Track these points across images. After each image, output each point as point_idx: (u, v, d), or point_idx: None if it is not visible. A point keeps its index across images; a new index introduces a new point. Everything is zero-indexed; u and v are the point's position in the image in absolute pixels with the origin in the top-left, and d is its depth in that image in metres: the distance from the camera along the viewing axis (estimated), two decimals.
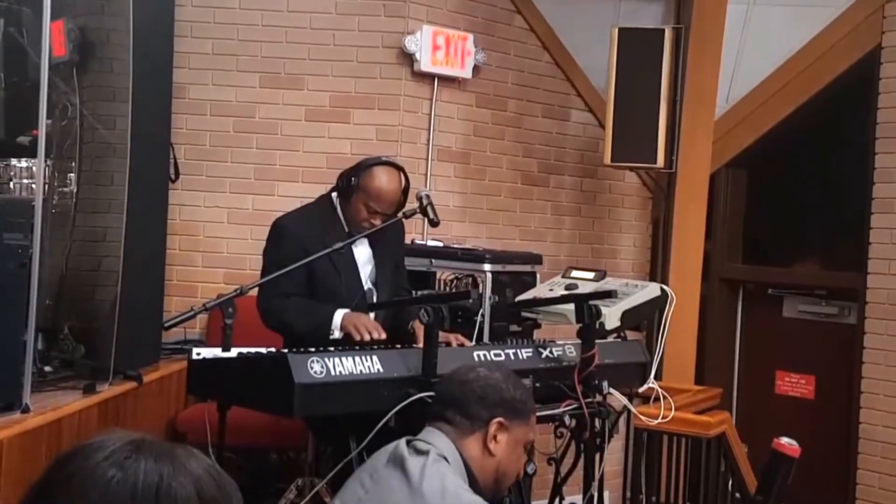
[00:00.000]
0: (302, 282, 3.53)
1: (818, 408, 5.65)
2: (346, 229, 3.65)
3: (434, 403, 2.55)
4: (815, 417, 5.62)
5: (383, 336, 3.37)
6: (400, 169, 3.70)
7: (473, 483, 2.35)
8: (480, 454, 2.40)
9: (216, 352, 3.03)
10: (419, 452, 2.30)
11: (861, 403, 5.27)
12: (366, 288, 3.69)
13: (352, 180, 3.60)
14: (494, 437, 2.41)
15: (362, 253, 3.70)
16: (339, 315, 3.44)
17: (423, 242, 4.69)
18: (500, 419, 2.41)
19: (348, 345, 3.26)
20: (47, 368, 3.92)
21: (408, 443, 2.34)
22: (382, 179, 3.60)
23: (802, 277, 5.83)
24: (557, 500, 3.54)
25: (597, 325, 3.41)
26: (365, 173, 3.60)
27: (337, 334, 3.41)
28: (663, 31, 5.14)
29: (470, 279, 4.32)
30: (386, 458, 2.31)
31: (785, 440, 3.29)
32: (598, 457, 3.46)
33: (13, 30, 4.27)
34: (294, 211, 3.82)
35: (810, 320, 5.76)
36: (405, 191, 3.69)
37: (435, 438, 2.37)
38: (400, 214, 3.66)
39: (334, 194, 3.71)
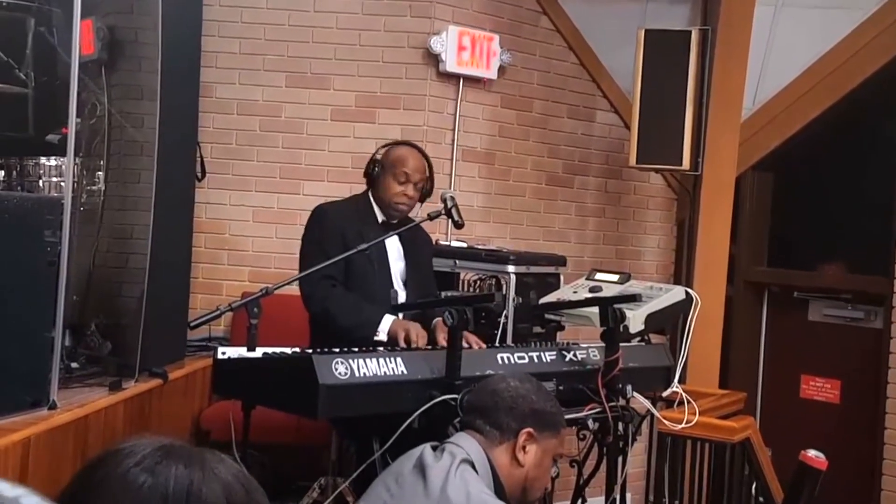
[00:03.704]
0: (342, 269, 3.59)
1: (843, 413, 5.62)
2: (380, 221, 3.76)
3: (465, 412, 2.58)
4: (840, 422, 5.59)
5: (424, 343, 3.42)
6: (416, 146, 3.91)
7: (500, 492, 2.36)
8: (509, 464, 2.41)
9: (241, 351, 3.05)
10: (445, 456, 2.30)
11: (887, 409, 5.22)
12: (395, 284, 3.73)
13: (375, 165, 3.79)
14: (523, 448, 2.42)
15: (393, 250, 3.79)
16: (387, 320, 3.50)
17: (448, 243, 4.69)
18: (529, 430, 2.42)
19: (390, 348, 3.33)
20: (74, 365, 3.95)
21: (433, 448, 2.35)
22: (402, 149, 3.84)
23: (828, 281, 5.80)
24: (580, 502, 3.55)
25: (621, 329, 3.40)
26: (384, 151, 3.81)
27: (382, 337, 3.47)
28: (690, 32, 5.11)
29: (494, 280, 4.32)
30: (412, 463, 2.32)
31: (812, 453, 3.25)
32: (620, 460, 3.45)
33: (43, 29, 4.31)
34: (335, 200, 3.96)
35: (836, 324, 5.72)
36: (430, 167, 3.84)
37: (465, 442, 2.38)
38: (424, 220, 3.68)
39: (369, 192, 3.82)
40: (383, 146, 3.86)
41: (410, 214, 3.91)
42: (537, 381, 2.65)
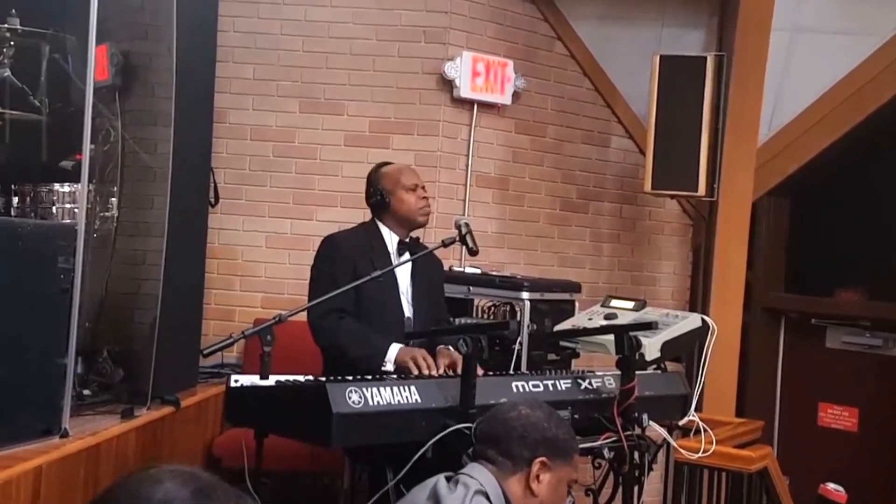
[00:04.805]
0: (352, 298, 3.56)
1: (861, 441, 5.56)
2: (392, 246, 3.72)
3: (477, 442, 2.53)
4: (858, 450, 5.52)
5: (437, 372, 3.39)
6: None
7: None
8: (522, 494, 2.36)
9: (254, 379, 3.02)
10: (459, 487, 2.26)
11: None
12: (406, 311, 3.70)
13: (380, 192, 3.73)
14: (537, 477, 2.37)
15: (405, 277, 3.75)
16: (394, 349, 3.47)
17: (462, 269, 4.67)
18: (542, 459, 2.38)
19: (400, 377, 3.30)
20: (86, 392, 3.93)
21: (447, 479, 2.32)
22: (391, 166, 3.83)
23: (846, 308, 5.74)
24: None
25: (636, 357, 3.36)
26: (382, 176, 3.77)
27: (390, 367, 3.43)
28: (705, 58, 5.11)
29: (508, 307, 4.30)
30: (425, 494, 2.29)
31: (831, 486, 3.21)
32: (636, 489, 3.41)
33: (58, 56, 4.32)
34: (344, 230, 3.90)
35: (854, 351, 5.67)
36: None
37: (478, 473, 2.35)
38: (438, 246, 3.66)
39: (378, 221, 3.76)
40: (375, 170, 3.81)
41: (421, 238, 3.90)
42: (549, 406, 2.61)
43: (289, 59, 5.22)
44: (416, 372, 3.36)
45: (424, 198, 3.75)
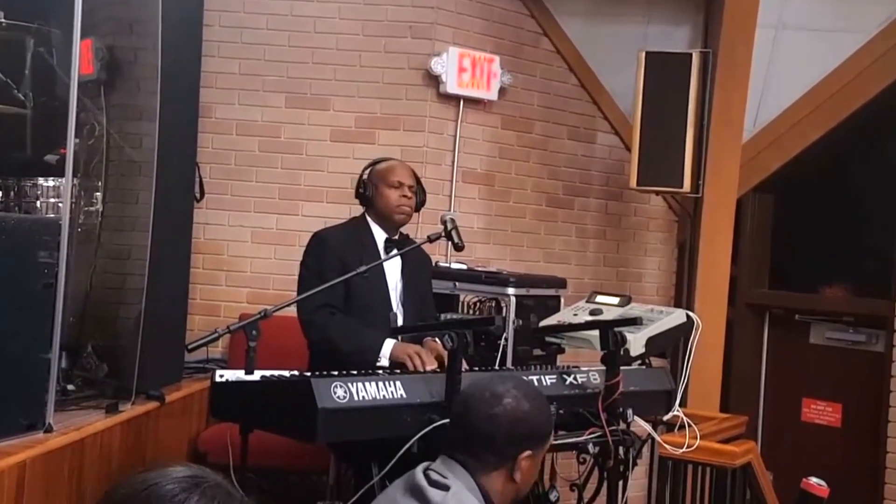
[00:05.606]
0: (341, 294, 3.57)
1: (845, 436, 5.59)
2: (380, 241, 3.75)
3: (456, 432, 2.40)
4: (841, 446, 5.55)
5: (434, 367, 3.40)
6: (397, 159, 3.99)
7: None
8: (503, 487, 2.31)
9: (239, 374, 3.01)
10: (438, 486, 2.22)
11: (889, 432, 5.19)
12: (394, 308, 3.71)
13: (367, 186, 3.79)
14: (520, 467, 2.33)
15: (393, 272, 3.77)
16: (388, 345, 3.50)
17: (447, 265, 4.67)
18: (528, 452, 2.33)
19: (395, 372, 3.31)
20: (70, 387, 3.91)
21: (424, 471, 2.27)
22: (386, 161, 3.87)
23: (830, 304, 5.77)
24: None
25: (621, 352, 3.37)
26: (370, 171, 3.82)
27: (384, 362, 3.46)
28: (691, 54, 5.12)
29: (494, 303, 4.30)
30: (403, 489, 2.25)
31: (814, 480, 3.23)
32: (621, 484, 3.42)
33: (42, 49, 4.30)
34: (333, 226, 3.93)
35: (837, 347, 5.70)
36: (416, 175, 3.88)
37: (453, 472, 2.27)
38: (424, 241, 3.66)
39: (367, 216, 3.80)
40: (367, 166, 3.87)
41: (410, 235, 3.90)
42: (525, 385, 2.51)
43: (275, 53, 5.21)
44: (411, 367, 3.37)
45: (405, 196, 3.75)
